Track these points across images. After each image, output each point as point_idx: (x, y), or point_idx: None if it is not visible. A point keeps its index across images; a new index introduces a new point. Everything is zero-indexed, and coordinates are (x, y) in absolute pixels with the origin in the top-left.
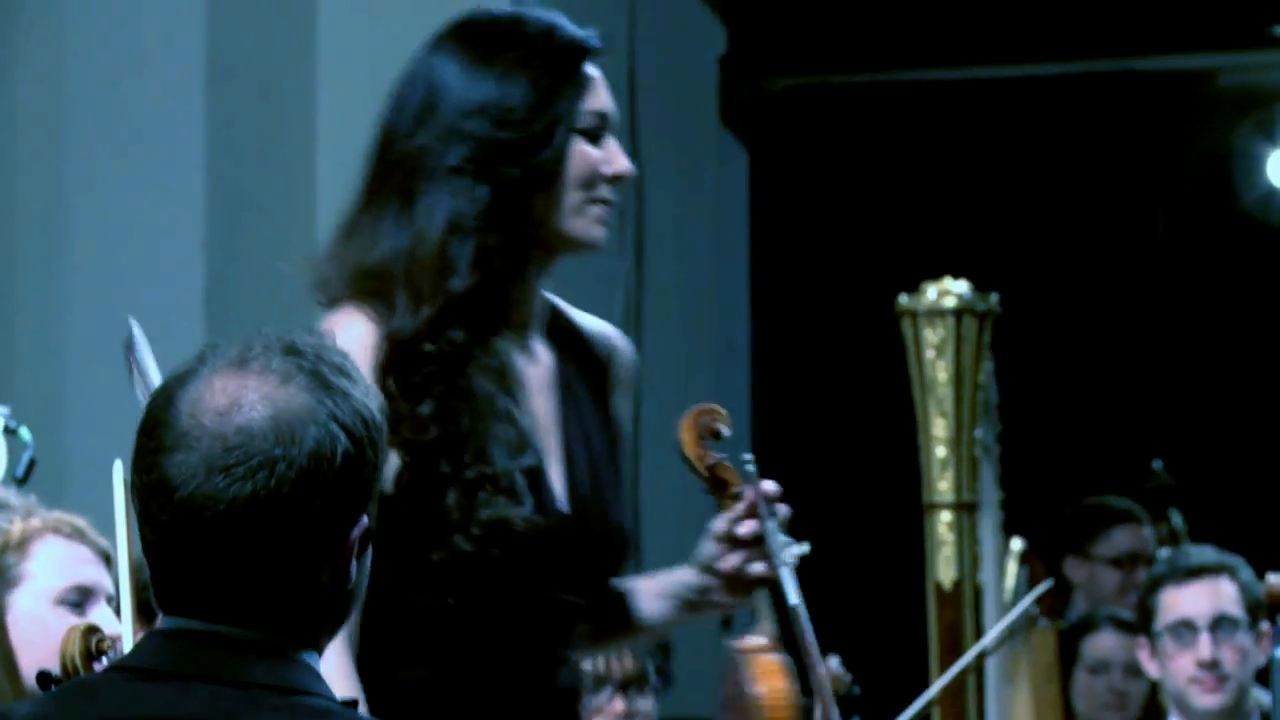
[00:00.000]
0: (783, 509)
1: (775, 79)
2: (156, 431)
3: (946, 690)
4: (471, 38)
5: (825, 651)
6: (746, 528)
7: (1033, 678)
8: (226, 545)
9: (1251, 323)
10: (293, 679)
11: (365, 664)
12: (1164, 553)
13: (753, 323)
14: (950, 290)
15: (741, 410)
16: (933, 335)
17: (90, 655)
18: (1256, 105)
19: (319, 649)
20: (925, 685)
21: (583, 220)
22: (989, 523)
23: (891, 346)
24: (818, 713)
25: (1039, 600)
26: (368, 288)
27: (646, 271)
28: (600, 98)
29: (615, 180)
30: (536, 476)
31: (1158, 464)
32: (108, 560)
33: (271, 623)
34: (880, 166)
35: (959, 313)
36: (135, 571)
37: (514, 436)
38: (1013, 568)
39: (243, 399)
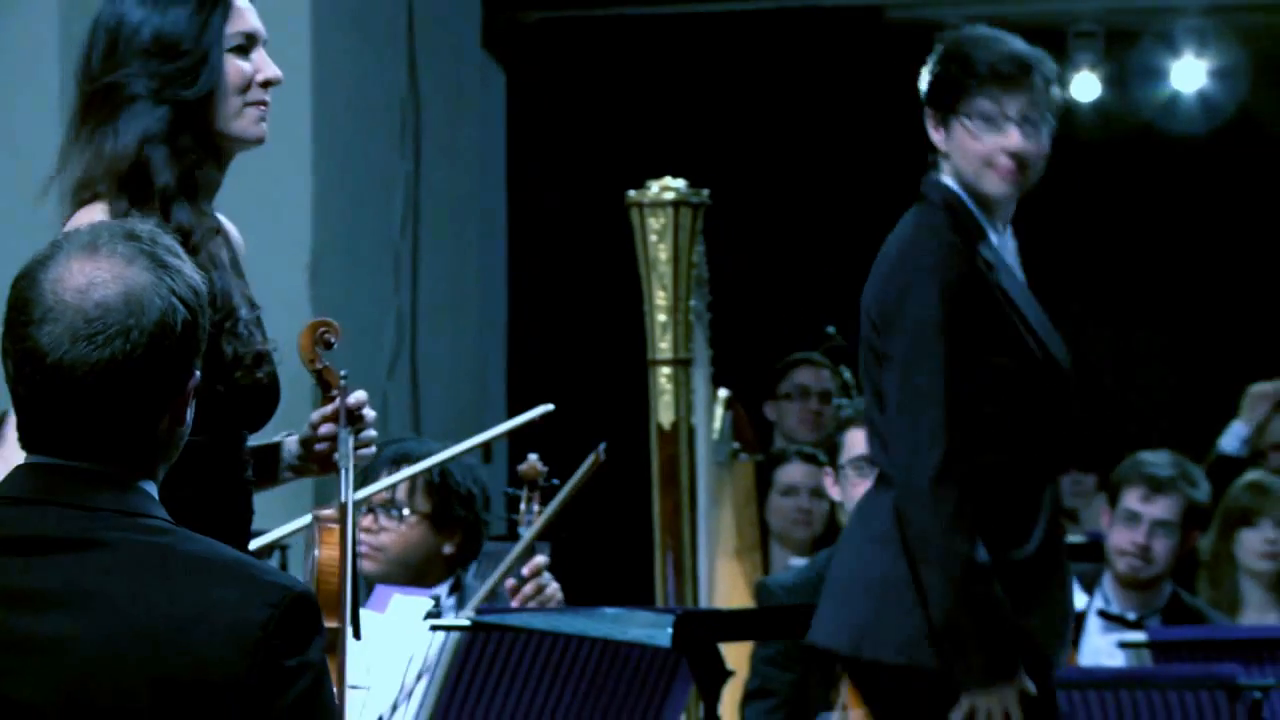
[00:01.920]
0: (369, 415)
1: (528, 12)
2: (26, 308)
3: (666, 511)
4: None
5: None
6: (325, 428)
7: (735, 501)
8: (88, 399)
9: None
10: (134, 504)
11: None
12: (845, 401)
13: (510, 213)
14: (670, 186)
15: (500, 284)
16: (655, 223)
17: None
18: (919, 37)
19: (155, 479)
20: (649, 508)
21: (242, 121)
22: (701, 375)
23: (622, 232)
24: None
25: (740, 436)
26: (106, 189)
27: (423, 172)
28: (246, 20)
29: (266, 85)
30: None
31: (831, 329)
32: None
33: (118, 459)
34: (614, 85)
35: (677, 204)
36: None
37: (247, 291)
38: (719, 411)
39: (97, 278)
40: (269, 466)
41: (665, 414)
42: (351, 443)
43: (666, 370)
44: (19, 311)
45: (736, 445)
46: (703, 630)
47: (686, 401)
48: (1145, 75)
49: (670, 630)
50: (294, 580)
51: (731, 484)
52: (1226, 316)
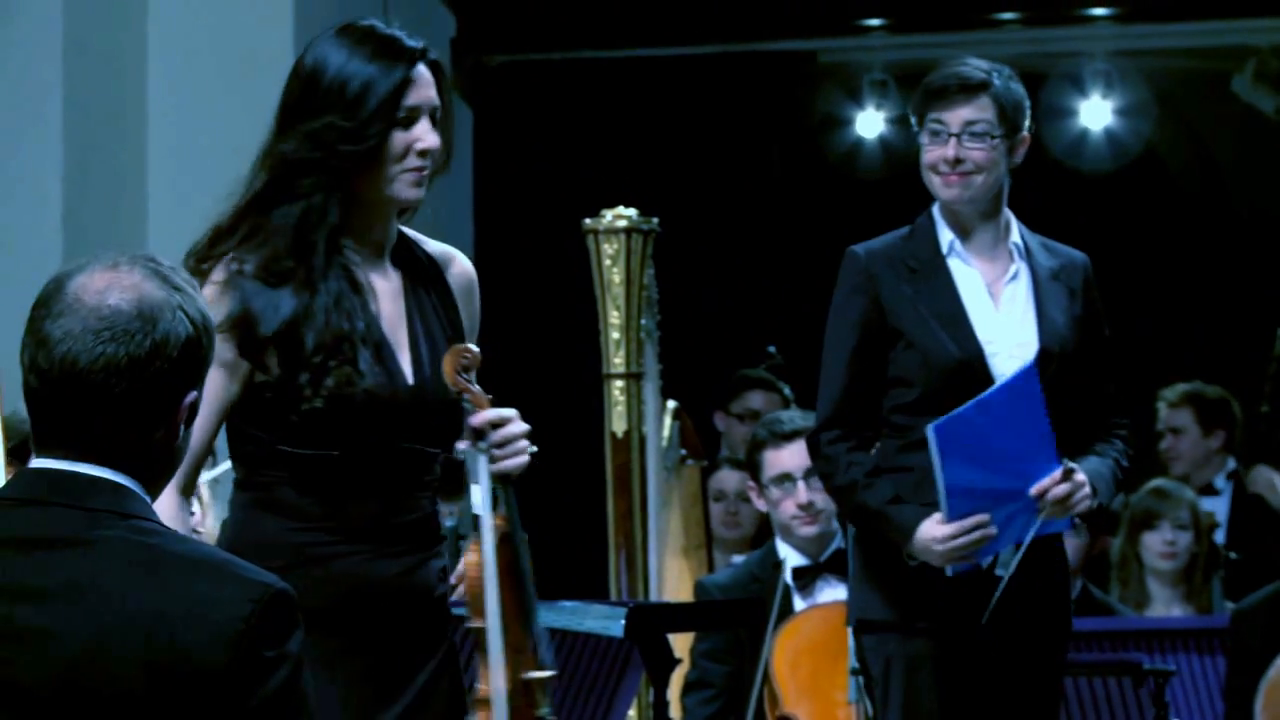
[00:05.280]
0: (508, 430)
1: (493, 56)
2: (48, 303)
3: (619, 513)
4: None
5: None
6: (460, 445)
7: (682, 503)
8: (88, 394)
9: (838, 242)
10: (129, 506)
11: (254, 489)
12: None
13: (477, 239)
14: (623, 214)
15: None
16: (609, 248)
17: None
18: (847, 78)
19: (151, 490)
20: (604, 509)
21: (397, 185)
22: (651, 388)
23: (579, 257)
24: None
25: (686, 444)
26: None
27: None
28: (416, 94)
29: (422, 154)
30: (382, 356)
31: (772, 348)
32: None
33: (116, 463)
34: (572, 122)
35: (629, 232)
36: (5, 428)
37: (356, 328)
38: (668, 421)
39: (115, 284)
40: (456, 478)
41: (618, 423)
42: (482, 460)
43: (620, 383)
44: (42, 306)
45: (683, 452)
46: (653, 622)
47: (638, 412)
48: (1055, 114)
49: (623, 622)
50: (274, 578)
51: (679, 488)
52: (1132, 345)
